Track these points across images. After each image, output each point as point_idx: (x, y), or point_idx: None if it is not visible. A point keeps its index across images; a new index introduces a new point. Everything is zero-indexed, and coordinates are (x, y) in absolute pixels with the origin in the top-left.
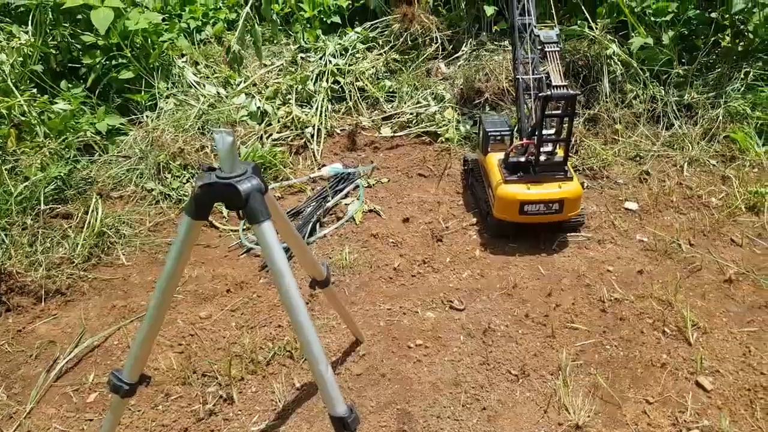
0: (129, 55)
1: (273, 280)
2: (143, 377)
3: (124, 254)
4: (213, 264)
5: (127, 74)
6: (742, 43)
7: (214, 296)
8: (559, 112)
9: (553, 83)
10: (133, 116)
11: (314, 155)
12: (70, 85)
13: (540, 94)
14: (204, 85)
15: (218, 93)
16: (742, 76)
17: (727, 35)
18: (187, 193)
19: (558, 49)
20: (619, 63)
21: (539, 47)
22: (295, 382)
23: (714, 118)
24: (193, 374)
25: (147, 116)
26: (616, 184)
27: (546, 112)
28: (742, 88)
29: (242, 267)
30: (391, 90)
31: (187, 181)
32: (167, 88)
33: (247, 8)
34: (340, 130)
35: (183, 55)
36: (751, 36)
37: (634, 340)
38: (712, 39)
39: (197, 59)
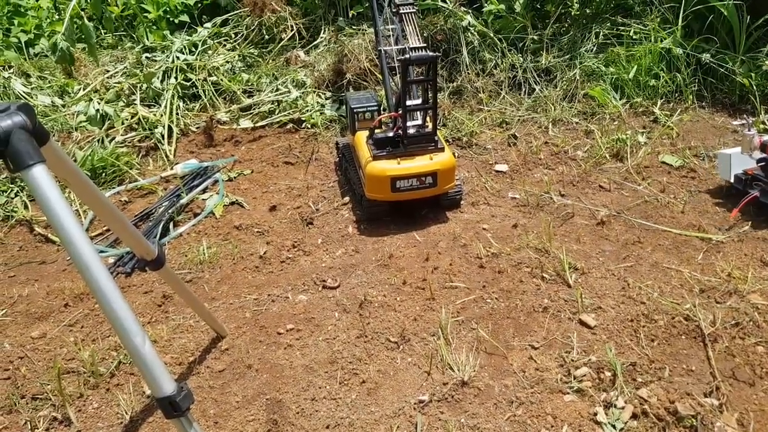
0: None
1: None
2: None
3: None
4: (48, 280)
5: None
6: (588, 9)
7: (49, 313)
8: (422, 78)
9: (411, 45)
10: None
11: (166, 155)
12: None
13: (399, 58)
14: (36, 96)
15: (53, 102)
16: (593, 37)
17: (576, 2)
18: (16, 208)
19: (414, 10)
20: (476, 34)
21: (394, 10)
22: (146, 389)
23: (572, 78)
24: (21, 400)
25: None
26: (485, 150)
27: (408, 79)
28: (594, 49)
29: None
30: (249, 83)
31: (16, 194)
32: None
33: (74, 2)
34: (196, 128)
35: (10, 67)
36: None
37: (514, 290)
38: (561, 4)
39: (27, 71)
